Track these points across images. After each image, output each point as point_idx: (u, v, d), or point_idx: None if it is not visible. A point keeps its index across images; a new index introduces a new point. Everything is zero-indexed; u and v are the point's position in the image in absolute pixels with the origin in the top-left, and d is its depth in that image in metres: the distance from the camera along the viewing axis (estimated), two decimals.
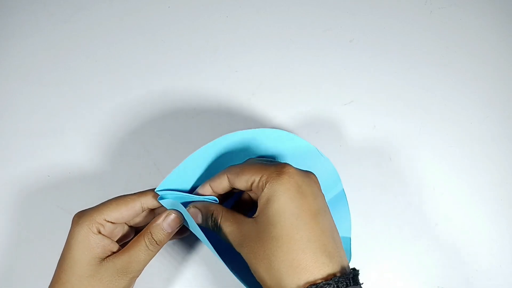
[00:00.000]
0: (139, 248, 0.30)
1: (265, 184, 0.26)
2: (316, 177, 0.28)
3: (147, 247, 0.30)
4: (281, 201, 0.26)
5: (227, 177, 0.29)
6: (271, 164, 0.28)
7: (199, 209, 0.31)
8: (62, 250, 0.30)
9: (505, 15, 0.41)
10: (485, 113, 0.39)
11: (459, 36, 0.41)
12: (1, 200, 0.38)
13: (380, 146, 0.38)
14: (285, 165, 0.27)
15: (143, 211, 0.31)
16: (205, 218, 0.31)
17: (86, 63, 0.41)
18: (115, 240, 0.31)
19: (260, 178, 0.27)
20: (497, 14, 0.41)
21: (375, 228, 0.37)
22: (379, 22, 0.41)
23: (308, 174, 0.28)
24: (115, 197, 0.31)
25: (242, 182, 0.28)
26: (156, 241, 0.31)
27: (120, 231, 0.32)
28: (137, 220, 0.33)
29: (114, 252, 0.30)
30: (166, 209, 0.31)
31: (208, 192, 0.31)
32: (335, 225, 0.27)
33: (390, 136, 0.39)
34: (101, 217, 0.30)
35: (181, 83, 0.40)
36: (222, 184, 0.30)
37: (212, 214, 0.30)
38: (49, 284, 0.30)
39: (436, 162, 0.38)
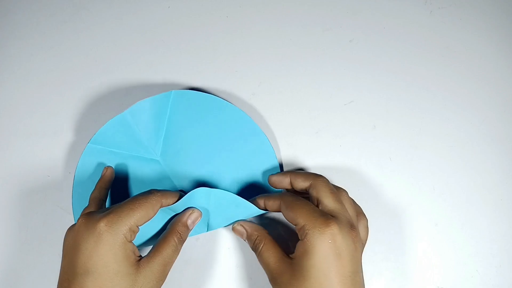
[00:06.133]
0: (170, 248, 0.30)
1: (305, 235, 0.28)
2: (357, 232, 0.29)
3: (177, 246, 0.30)
4: (315, 259, 0.27)
5: (280, 203, 0.31)
6: (318, 215, 0.28)
7: (245, 229, 0.33)
8: (79, 261, 0.27)
9: (505, 15, 0.41)
10: (485, 113, 0.39)
11: (459, 36, 0.41)
12: (1, 200, 0.38)
13: (380, 146, 0.38)
14: (331, 222, 0.28)
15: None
16: (249, 238, 0.32)
17: (86, 63, 0.41)
18: None
19: (304, 226, 0.28)
20: (497, 14, 0.41)
21: (375, 228, 0.37)
22: (379, 22, 0.41)
23: (350, 231, 0.28)
24: (137, 200, 0.29)
25: (289, 217, 0.30)
26: (183, 239, 0.31)
27: None
28: None
29: (139, 257, 0.29)
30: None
31: (262, 205, 0.33)
32: (364, 286, 0.29)
33: (390, 136, 0.39)
34: (134, 224, 0.28)
35: (181, 83, 0.40)
36: (274, 206, 0.32)
37: (256, 238, 0.31)
38: None
39: (436, 162, 0.38)
